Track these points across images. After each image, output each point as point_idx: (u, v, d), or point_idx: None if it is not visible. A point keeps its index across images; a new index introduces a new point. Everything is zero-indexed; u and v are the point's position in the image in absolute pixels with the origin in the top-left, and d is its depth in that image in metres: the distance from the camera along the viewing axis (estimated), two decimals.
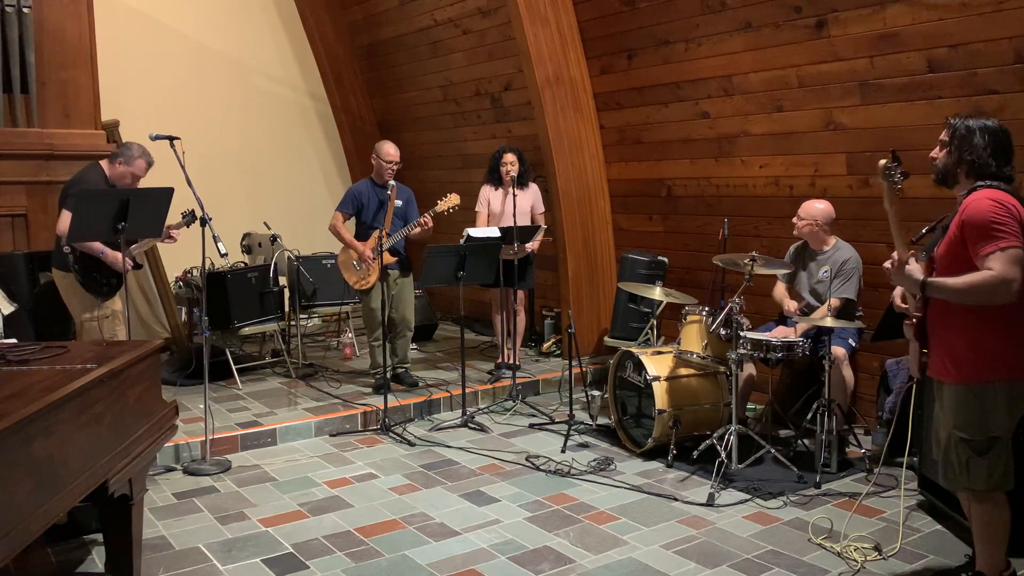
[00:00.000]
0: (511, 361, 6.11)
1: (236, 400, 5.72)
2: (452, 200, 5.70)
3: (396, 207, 5.77)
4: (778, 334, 4.66)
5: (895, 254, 2.90)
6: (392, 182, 5.74)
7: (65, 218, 4.59)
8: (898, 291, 3.16)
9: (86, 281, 4.84)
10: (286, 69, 8.71)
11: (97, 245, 4.73)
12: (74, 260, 4.79)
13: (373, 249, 5.60)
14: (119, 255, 4.68)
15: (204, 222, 4.62)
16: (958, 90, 4.40)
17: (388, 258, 5.65)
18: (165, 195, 4.55)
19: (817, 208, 4.75)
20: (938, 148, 2.98)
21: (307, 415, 5.34)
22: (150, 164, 4.92)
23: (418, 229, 5.64)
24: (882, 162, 2.86)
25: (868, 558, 3.40)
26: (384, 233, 5.57)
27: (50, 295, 5.40)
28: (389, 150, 5.78)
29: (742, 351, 4.38)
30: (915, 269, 2.88)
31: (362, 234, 5.78)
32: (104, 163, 4.93)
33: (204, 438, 4.66)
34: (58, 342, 3.35)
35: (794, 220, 4.83)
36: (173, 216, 4.79)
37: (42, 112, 5.77)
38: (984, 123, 2.89)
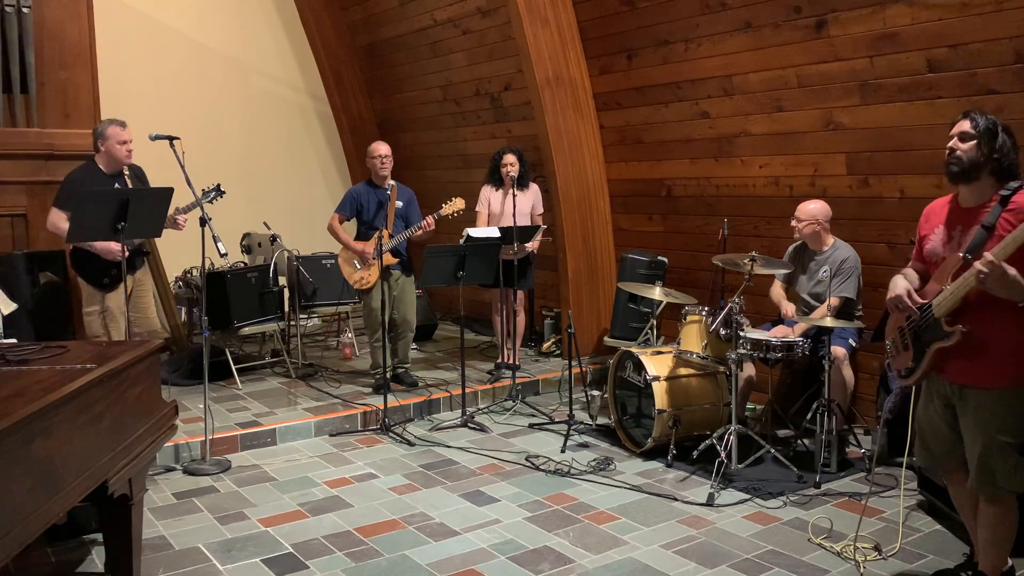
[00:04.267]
0: (511, 361, 6.11)
1: (236, 400, 5.72)
2: (457, 204, 5.68)
3: (397, 208, 5.78)
4: (777, 334, 4.65)
5: (989, 255, 2.62)
6: (391, 182, 5.76)
7: (53, 215, 4.73)
8: (900, 288, 2.98)
9: (85, 274, 4.92)
10: (286, 69, 8.71)
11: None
12: (71, 255, 4.87)
13: (374, 248, 5.60)
14: (108, 244, 4.73)
15: (204, 222, 4.62)
16: (958, 90, 4.40)
17: (390, 259, 5.67)
18: (164, 195, 4.56)
19: (815, 208, 4.75)
20: (958, 139, 2.83)
21: (307, 415, 5.34)
22: (123, 124, 4.92)
23: (420, 232, 5.65)
24: None
25: (868, 558, 3.40)
26: (387, 234, 5.59)
27: (50, 295, 5.41)
28: (375, 146, 5.84)
29: (742, 351, 4.38)
30: (1018, 275, 2.62)
31: (364, 235, 5.78)
32: (96, 157, 4.97)
33: (204, 438, 4.66)
34: (58, 342, 3.35)
35: (793, 223, 4.82)
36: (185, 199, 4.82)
37: (42, 112, 5.77)
38: (998, 121, 2.82)
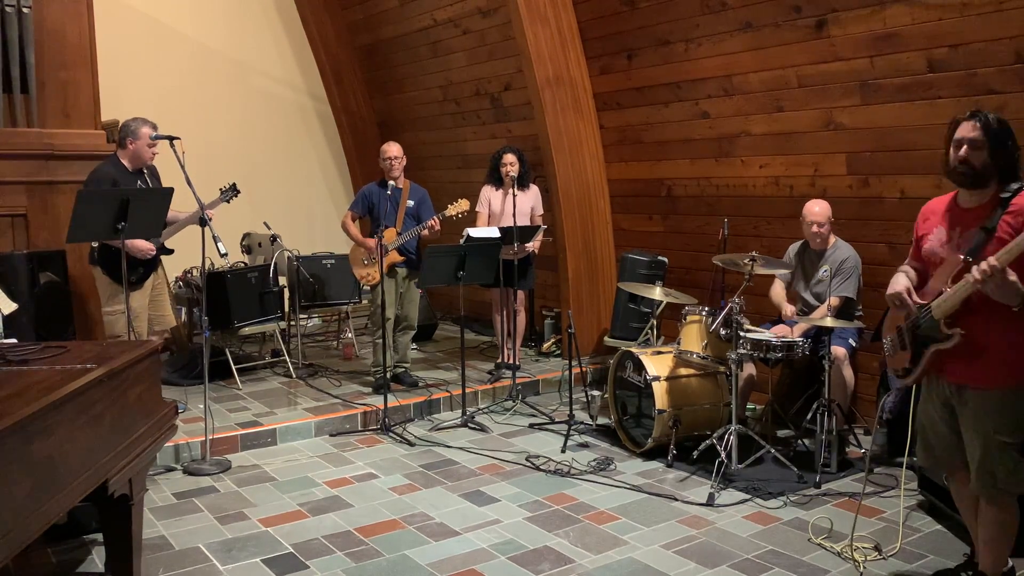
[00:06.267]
0: (511, 361, 6.11)
1: (236, 400, 5.72)
2: (462, 206, 5.72)
3: (408, 207, 5.81)
4: (777, 334, 4.65)
5: (992, 260, 2.60)
6: (392, 182, 5.76)
7: None
8: (901, 285, 2.98)
9: (114, 273, 4.84)
10: (286, 69, 8.71)
11: None
12: (98, 253, 4.84)
13: (379, 246, 5.62)
14: (138, 242, 4.72)
15: (204, 222, 4.62)
16: (958, 90, 4.40)
17: (396, 257, 5.69)
18: (165, 195, 4.57)
19: (825, 208, 4.72)
20: (968, 147, 2.77)
21: (307, 415, 5.34)
22: (155, 126, 4.95)
23: (426, 231, 5.68)
24: None
25: (868, 558, 3.40)
26: (395, 231, 5.66)
27: (50, 295, 5.40)
28: (384, 147, 5.88)
29: (742, 351, 4.38)
30: (1017, 279, 2.61)
31: (373, 232, 5.82)
32: (120, 153, 4.97)
33: (204, 438, 4.66)
34: (58, 342, 3.35)
35: (814, 229, 4.70)
36: (205, 197, 4.81)
37: (42, 112, 5.77)
38: (1004, 120, 2.78)
